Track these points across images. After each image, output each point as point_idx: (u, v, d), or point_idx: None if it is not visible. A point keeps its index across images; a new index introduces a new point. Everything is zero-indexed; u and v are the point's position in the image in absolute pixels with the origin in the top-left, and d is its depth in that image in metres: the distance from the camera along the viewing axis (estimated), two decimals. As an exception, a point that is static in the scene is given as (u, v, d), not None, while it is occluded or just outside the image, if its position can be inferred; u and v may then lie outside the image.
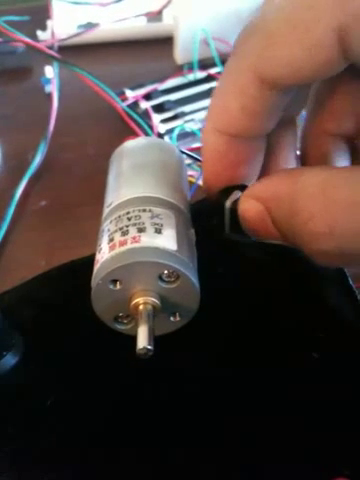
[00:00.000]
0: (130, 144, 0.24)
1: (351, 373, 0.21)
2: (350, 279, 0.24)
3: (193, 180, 0.36)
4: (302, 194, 0.16)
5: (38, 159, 0.41)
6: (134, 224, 0.18)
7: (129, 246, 0.18)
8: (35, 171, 0.41)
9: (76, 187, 0.40)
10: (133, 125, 0.43)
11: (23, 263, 0.33)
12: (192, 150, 0.37)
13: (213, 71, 0.49)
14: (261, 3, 0.17)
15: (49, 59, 0.45)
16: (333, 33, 0.14)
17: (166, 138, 0.42)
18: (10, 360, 0.21)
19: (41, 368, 0.21)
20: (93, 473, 0.19)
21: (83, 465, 0.19)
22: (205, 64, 0.49)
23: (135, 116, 0.43)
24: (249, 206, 0.18)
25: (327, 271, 0.24)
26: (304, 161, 0.22)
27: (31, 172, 0.40)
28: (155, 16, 0.57)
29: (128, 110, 0.44)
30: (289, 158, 0.21)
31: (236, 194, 0.19)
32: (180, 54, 0.52)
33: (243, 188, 0.19)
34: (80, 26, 0.56)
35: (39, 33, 0.55)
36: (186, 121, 0.43)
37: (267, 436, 0.19)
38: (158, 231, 0.18)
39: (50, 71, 0.48)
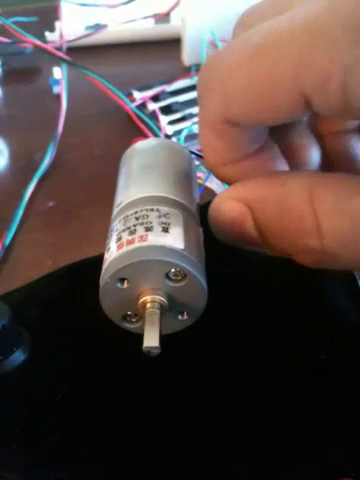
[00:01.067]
0: (140, 145, 0.24)
1: (354, 374, 0.21)
2: (358, 280, 0.24)
3: (201, 181, 0.36)
4: (292, 195, 0.16)
5: (47, 160, 0.41)
6: (141, 223, 0.19)
7: (136, 245, 0.18)
8: (44, 172, 0.41)
9: (84, 188, 0.40)
10: (141, 126, 0.43)
11: (30, 263, 0.34)
12: (200, 151, 0.37)
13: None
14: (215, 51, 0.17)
15: (57, 60, 0.46)
16: (293, 102, 0.15)
17: (174, 139, 0.42)
18: (19, 356, 0.21)
19: (47, 366, 0.21)
20: (100, 471, 0.19)
21: (90, 463, 0.19)
22: (213, 66, 0.49)
23: (143, 117, 0.43)
24: (231, 207, 0.18)
25: (334, 270, 0.24)
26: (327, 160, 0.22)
27: (40, 173, 0.40)
28: (163, 17, 0.57)
29: (136, 111, 0.44)
30: (307, 150, 0.21)
31: None
32: (188, 55, 0.52)
33: None
34: (88, 27, 0.56)
35: (47, 34, 0.55)
36: (194, 123, 0.43)
37: (268, 436, 0.19)
38: (165, 230, 0.18)
39: (58, 72, 0.48)
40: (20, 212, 0.37)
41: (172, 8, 0.56)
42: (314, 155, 0.21)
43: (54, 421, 0.20)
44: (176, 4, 0.55)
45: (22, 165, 0.42)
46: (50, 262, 0.33)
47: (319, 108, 0.15)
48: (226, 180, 0.20)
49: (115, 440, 0.19)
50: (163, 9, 0.56)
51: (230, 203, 0.18)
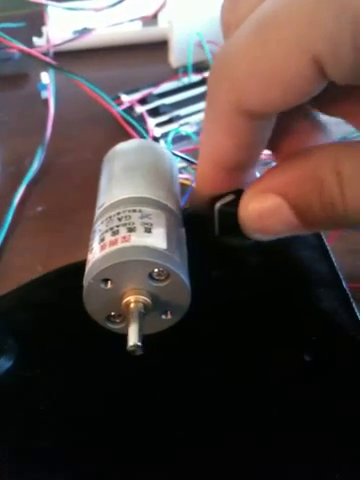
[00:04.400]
0: (122, 146, 0.24)
1: (344, 375, 0.21)
2: (344, 282, 0.24)
3: (188, 183, 0.36)
4: (320, 167, 0.16)
5: (36, 164, 0.41)
6: (124, 224, 0.19)
7: (119, 245, 0.18)
8: (33, 176, 0.41)
9: (73, 192, 0.40)
10: (129, 129, 0.44)
11: (21, 268, 0.34)
12: (188, 152, 0.37)
13: (208, 74, 0.49)
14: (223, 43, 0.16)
15: (44, 65, 0.46)
16: (306, 72, 0.14)
17: (161, 142, 0.42)
18: (4, 364, 0.21)
19: (37, 370, 0.21)
20: (89, 475, 0.19)
21: (81, 469, 0.19)
22: (200, 67, 0.50)
23: (131, 120, 0.44)
24: (264, 199, 0.17)
25: (321, 273, 0.24)
26: None
27: (29, 178, 0.40)
28: (150, 20, 0.57)
29: (124, 114, 0.44)
30: None
31: (229, 197, 0.19)
32: (175, 58, 0.52)
33: (238, 192, 0.19)
34: (75, 31, 0.56)
35: (35, 39, 0.55)
36: (181, 124, 0.43)
37: (265, 436, 0.19)
38: (148, 230, 0.18)
39: (46, 77, 0.48)
40: (9, 217, 0.37)
41: (159, 10, 0.56)
42: None
43: (42, 426, 0.20)
44: (163, 6, 0.55)
45: (11, 170, 0.42)
46: (40, 267, 0.33)
47: (334, 73, 0.14)
48: (209, 186, 0.19)
49: (107, 446, 0.19)
50: (150, 12, 0.56)
51: (262, 196, 0.18)
